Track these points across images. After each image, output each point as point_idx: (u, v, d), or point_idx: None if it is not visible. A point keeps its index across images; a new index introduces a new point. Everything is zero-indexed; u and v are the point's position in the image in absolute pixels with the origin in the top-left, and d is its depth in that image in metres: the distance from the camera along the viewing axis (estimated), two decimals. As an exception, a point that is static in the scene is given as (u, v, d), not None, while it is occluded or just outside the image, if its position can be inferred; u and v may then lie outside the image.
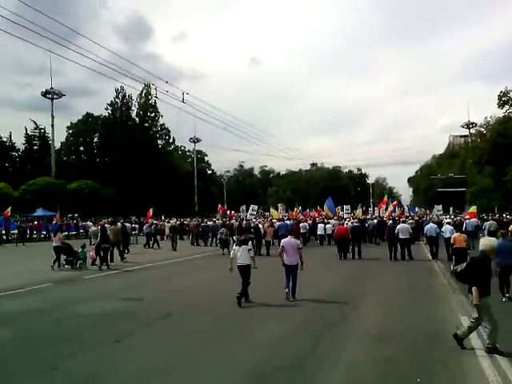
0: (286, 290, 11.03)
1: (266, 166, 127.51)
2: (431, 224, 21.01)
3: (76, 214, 44.15)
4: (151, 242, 28.35)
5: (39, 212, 45.14)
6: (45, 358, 6.75)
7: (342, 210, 43.24)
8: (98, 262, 18.11)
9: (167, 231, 31.04)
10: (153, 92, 40.71)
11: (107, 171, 70.52)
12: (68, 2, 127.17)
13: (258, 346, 7.27)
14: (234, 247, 11.17)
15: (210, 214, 53.14)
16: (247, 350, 7.04)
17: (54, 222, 40.84)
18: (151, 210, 34.09)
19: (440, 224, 23.69)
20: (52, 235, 19.22)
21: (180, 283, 14.45)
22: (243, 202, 58.07)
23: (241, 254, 10.57)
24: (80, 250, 18.38)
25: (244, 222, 28.38)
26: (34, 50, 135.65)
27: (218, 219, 35.16)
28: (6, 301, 11.57)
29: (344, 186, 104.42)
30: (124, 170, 68.49)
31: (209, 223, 30.52)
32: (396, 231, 19.93)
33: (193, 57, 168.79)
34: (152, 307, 10.50)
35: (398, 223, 21.84)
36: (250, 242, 11.36)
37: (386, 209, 44.55)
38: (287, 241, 11.34)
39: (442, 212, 46.20)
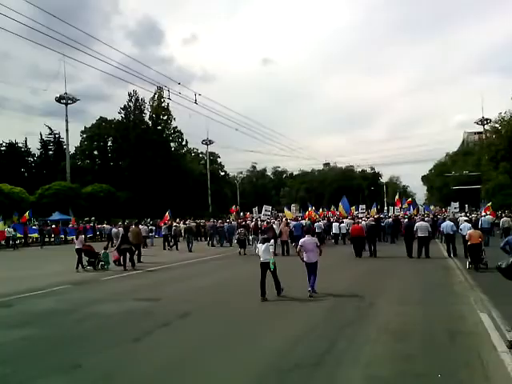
0: (309, 288, 11.31)
1: (279, 167, 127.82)
2: (448, 221, 20.95)
3: (93, 218, 44.61)
4: (168, 243, 28.67)
5: (56, 216, 45.73)
6: (68, 356, 6.88)
7: (357, 210, 43.24)
8: (121, 261, 18.41)
9: (182, 233, 31.34)
10: (165, 94, 40.91)
11: (121, 174, 71.22)
12: (80, 8, 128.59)
13: (276, 343, 7.30)
14: (257, 245, 11.59)
15: (224, 216, 53.38)
16: (266, 347, 7.08)
17: (70, 225, 41.33)
18: (168, 212, 34.53)
19: (455, 222, 23.60)
20: (74, 238, 19.62)
21: (197, 283, 14.57)
22: (256, 202, 58.23)
23: (264, 251, 10.96)
24: (103, 252, 18.74)
25: (260, 222, 28.58)
26: (49, 56, 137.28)
27: (233, 220, 35.42)
28: (29, 301, 11.78)
29: (357, 186, 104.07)
30: (138, 172, 69.06)
31: (224, 224, 30.81)
32: (415, 229, 19.91)
33: (204, 59, 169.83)
34: (170, 307, 10.62)
35: (415, 221, 21.83)
36: (273, 240, 11.75)
37: (401, 208, 44.51)
38: (306, 239, 11.80)
39: (458, 210, 45.89)
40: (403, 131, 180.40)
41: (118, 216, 50.52)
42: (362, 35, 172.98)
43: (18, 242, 35.63)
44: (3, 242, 34.60)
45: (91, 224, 42.49)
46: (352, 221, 27.10)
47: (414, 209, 46.42)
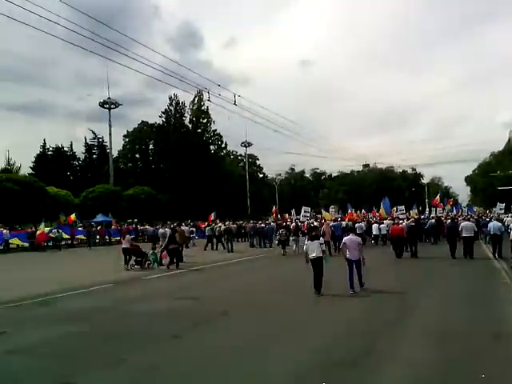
0: (350, 289, 11.59)
1: (318, 169, 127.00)
2: (495, 222, 20.52)
3: (135, 220, 45.80)
4: (211, 244, 29.23)
5: (99, 218, 47.11)
6: (109, 351, 7.12)
7: (397, 211, 42.67)
8: (167, 261, 18.93)
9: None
10: (205, 96, 41.57)
11: (162, 177, 72.61)
12: (122, 15, 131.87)
13: (316, 341, 7.34)
14: (306, 242, 11.94)
15: (263, 217, 53.69)
16: (305, 346, 7.12)
17: (113, 227, 42.50)
18: (214, 213, 35.38)
19: (502, 222, 23.10)
20: (119, 238, 20.37)
21: (238, 282, 14.83)
22: (294, 204, 58.11)
23: (313, 248, 11.37)
24: (151, 251, 19.38)
25: (300, 223, 28.81)
26: (93, 62, 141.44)
27: (272, 221, 35.73)
28: (74, 300, 12.23)
29: (397, 187, 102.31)
30: (178, 175, 70.23)
31: (263, 225, 31.14)
32: (459, 229, 19.62)
33: (243, 62, 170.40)
34: (210, 305, 10.81)
35: (458, 222, 21.52)
36: (322, 238, 12.41)
37: (444, 209, 43.69)
38: (349, 238, 12.23)
39: (503, 210, 44.59)
40: (445, 131, 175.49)
41: (159, 218, 51.57)
42: (401, 34, 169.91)
43: (63, 243, 36.94)
44: (50, 243, 35.75)
45: (133, 226, 43.59)
46: (392, 221, 26.86)
47: (456, 210, 45.44)
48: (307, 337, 7.70)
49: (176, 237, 19.31)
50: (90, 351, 7.19)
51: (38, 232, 33.92)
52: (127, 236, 20.01)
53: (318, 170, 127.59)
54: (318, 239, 11.69)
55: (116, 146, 79.75)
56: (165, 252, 19.14)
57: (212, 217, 34.56)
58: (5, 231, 34.56)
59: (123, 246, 19.17)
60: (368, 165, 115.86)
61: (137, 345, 7.44)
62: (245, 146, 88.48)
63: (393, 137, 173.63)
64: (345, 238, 12.46)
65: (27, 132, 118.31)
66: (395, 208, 44.37)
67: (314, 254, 11.32)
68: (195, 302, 11.39)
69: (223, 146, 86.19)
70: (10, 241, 34.18)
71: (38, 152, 76.63)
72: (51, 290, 13.44)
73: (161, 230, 24.05)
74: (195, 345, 7.37)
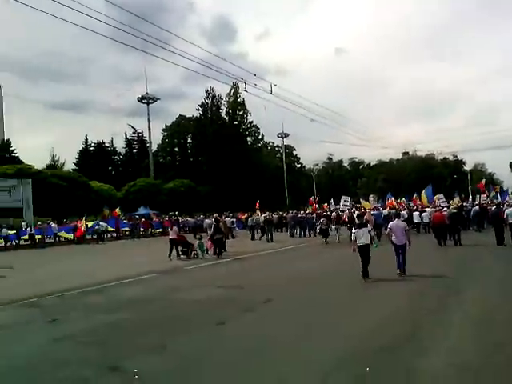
0: (398, 270, 12.03)
1: (356, 158, 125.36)
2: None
3: (176, 212, 46.77)
4: (254, 234, 29.72)
5: (141, 210, 48.39)
6: (157, 338, 7.27)
7: (439, 199, 41.90)
8: (214, 250, 19.59)
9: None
10: (241, 87, 41.82)
11: (201, 170, 73.68)
12: (158, 12, 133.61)
13: (359, 327, 7.36)
14: (353, 230, 12.17)
15: (301, 207, 53.79)
16: (348, 331, 7.15)
17: (155, 219, 43.51)
18: (258, 202, 36.12)
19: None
20: (169, 229, 21.13)
21: (280, 270, 15.00)
22: (333, 194, 57.87)
23: (361, 235, 11.64)
24: (198, 241, 20.01)
25: (341, 212, 28.89)
26: (131, 58, 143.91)
27: (311, 211, 35.89)
28: (119, 289, 12.62)
29: (438, 174, 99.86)
30: (216, 167, 71.05)
31: (304, 215, 31.37)
32: (505, 216, 19.31)
33: (277, 52, 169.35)
34: (253, 293, 10.90)
35: (503, 208, 21.13)
36: (369, 225, 12.69)
37: (488, 196, 42.60)
38: (395, 223, 12.67)
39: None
40: (487, 117, 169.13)
41: (199, 210, 52.40)
42: (438, 21, 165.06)
43: (108, 235, 38.17)
44: (95, 236, 37.01)
45: (175, 218, 44.50)
46: (434, 209, 26.55)
47: (503, 197, 44.18)
48: (351, 322, 7.75)
49: (220, 227, 19.85)
50: (137, 338, 7.41)
51: (78, 226, 35.05)
52: (174, 227, 20.64)
53: (357, 159, 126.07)
54: (366, 226, 11.95)
55: (155, 140, 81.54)
56: (210, 242, 19.69)
57: (258, 205, 35.37)
58: (53, 225, 36.02)
59: (170, 237, 19.83)
60: (407, 152, 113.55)
61: (182, 332, 7.63)
62: (281, 137, 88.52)
63: (432, 124, 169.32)
64: (390, 224, 12.78)
65: (70, 129, 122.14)
66: (437, 196, 43.60)
67: (361, 241, 11.57)
68: (239, 290, 11.56)
69: (260, 137, 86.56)
70: (59, 234, 35.58)
71: (81, 148, 79.15)
72: (99, 280, 13.80)
73: (207, 221, 24.87)
74: (239, 332, 7.52)
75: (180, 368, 5.84)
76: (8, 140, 75.41)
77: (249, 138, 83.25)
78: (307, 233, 30.37)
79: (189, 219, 42.20)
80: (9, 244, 32.42)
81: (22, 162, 62.05)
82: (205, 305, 9.80)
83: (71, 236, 35.68)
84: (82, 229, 34.67)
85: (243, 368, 5.78)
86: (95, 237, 36.57)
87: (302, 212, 33.68)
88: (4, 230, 32.41)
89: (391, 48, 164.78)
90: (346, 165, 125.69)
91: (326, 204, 50.32)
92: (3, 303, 10.81)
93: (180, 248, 19.56)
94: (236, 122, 79.63)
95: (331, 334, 7.11)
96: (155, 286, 13.20)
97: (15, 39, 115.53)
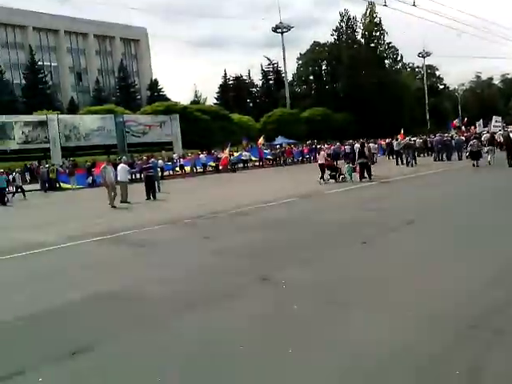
0: None
1: (508, 74, 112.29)
2: None
3: (314, 140, 47.39)
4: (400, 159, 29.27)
5: (279, 140, 49.89)
6: (303, 254, 7.55)
7: None
8: (361, 174, 19.81)
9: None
10: (378, 4, 39.53)
11: (337, 97, 72.65)
12: None
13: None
14: None
15: (444, 131, 50.93)
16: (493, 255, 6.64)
17: (295, 148, 44.57)
18: (402, 130, 35.78)
19: None
20: (316, 154, 22.25)
21: (423, 194, 14.74)
22: (480, 116, 53.46)
23: None
24: (346, 165, 20.80)
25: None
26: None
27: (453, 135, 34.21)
28: (264, 211, 13.21)
29: None
30: (353, 93, 69.38)
31: (450, 138, 29.97)
32: None
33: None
34: (397, 214, 10.86)
35: None
36: None
37: None
38: None
39: None
40: None
41: (335, 137, 52.33)
42: None
43: (250, 164, 40.16)
44: (240, 165, 38.87)
45: (313, 146, 45.13)
46: None
47: None
48: (494, 246, 7.25)
49: (365, 152, 20.11)
50: (284, 253, 7.79)
51: (222, 156, 36.95)
52: (322, 152, 21.76)
53: (510, 76, 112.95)
54: None
55: (290, 69, 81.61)
56: (357, 166, 20.12)
57: (402, 133, 35.05)
58: (202, 156, 38.86)
59: (319, 162, 20.78)
60: None
61: (328, 248, 7.98)
62: (422, 57, 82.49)
63: None
64: None
65: (209, 65, 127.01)
66: None
67: None
68: (383, 211, 11.66)
69: (399, 58, 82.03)
70: (208, 163, 38.24)
71: (220, 83, 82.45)
72: (244, 203, 14.52)
73: (356, 145, 25.59)
74: (382, 250, 7.62)
75: (326, 281, 6.06)
76: (156, 79, 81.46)
77: (387, 61, 79.44)
78: (455, 156, 29.01)
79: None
80: (166, 174, 35.46)
81: (168, 100, 67.00)
82: (349, 225, 10.01)
83: (215, 165, 37.65)
84: (227, 158, 36.76)
85: (394, 283, 5.77)
86: (240, 165, 38.71)
87: (446, 135, 32.04)
88: (160, 162, 35.72)
89: None
90: (496, 82, 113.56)
91: (472, 127, 47.18)
92: (165, 223, 12.09)
93: (328, 172, 20.23)
94: (373, 45, 75.95)
95: (470, 257, 6.71)
96: (303, 207, 13.83)
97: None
